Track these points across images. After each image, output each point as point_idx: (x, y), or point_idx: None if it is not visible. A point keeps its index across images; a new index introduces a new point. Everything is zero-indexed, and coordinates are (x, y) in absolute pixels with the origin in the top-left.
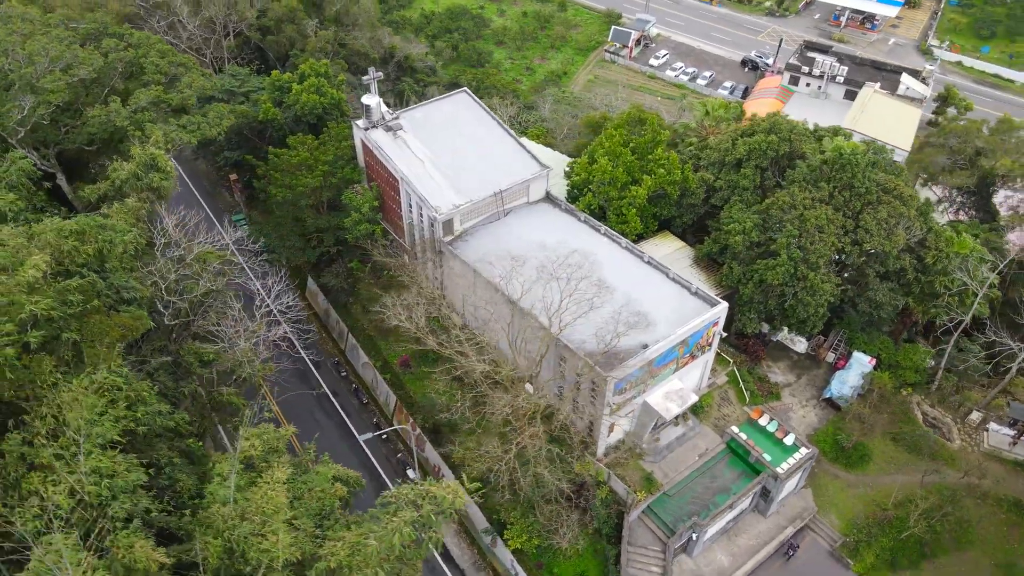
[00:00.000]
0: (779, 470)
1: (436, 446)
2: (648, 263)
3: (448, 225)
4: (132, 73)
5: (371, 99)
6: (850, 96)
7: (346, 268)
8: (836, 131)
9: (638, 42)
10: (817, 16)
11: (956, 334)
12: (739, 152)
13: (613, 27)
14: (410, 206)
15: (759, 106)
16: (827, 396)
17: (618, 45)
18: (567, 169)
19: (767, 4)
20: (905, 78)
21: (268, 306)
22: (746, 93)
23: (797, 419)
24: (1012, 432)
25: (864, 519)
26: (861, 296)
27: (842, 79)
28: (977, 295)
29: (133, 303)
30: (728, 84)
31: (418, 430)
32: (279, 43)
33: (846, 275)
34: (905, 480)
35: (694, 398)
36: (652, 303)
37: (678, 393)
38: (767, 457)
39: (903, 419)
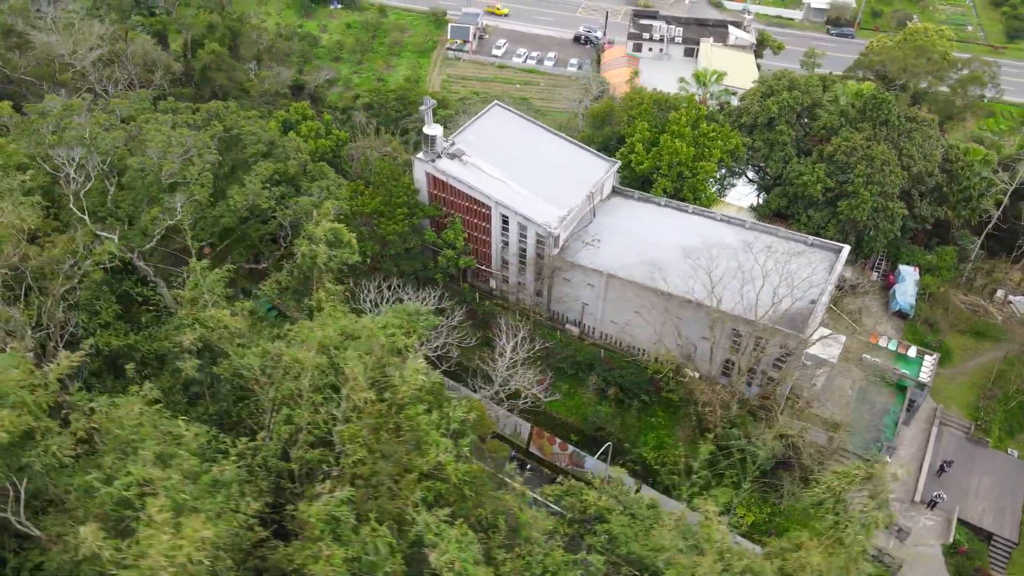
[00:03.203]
0: (925, 379)
1: (602, 457)
2: (751, 228)
3: (557, 239)
4: (227, 146)
5: (434, 129)
6: (688, 54)
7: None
8: (833, 80)
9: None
10: None
11: (988, 227)
12: (772, 111)
13: (450, 24)
14: (503, 230)
15: (615, 76)
16: (895, 309)
17: (459, 41)
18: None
19: None
20: (732, 30)
21: None
22: (594, 68)
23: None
24: None
25: (979, 402)
26: (909, 214)
27: (680, 40)
28: (1008, 189)
29: None
30: (574, 61)
31: (569, 448)
32: (212, 93)
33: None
34: (987, 361)
35: (843, 338)
36: (783, 263)
37: (831, 337)
38: (907, 371)
39: (960, 312)
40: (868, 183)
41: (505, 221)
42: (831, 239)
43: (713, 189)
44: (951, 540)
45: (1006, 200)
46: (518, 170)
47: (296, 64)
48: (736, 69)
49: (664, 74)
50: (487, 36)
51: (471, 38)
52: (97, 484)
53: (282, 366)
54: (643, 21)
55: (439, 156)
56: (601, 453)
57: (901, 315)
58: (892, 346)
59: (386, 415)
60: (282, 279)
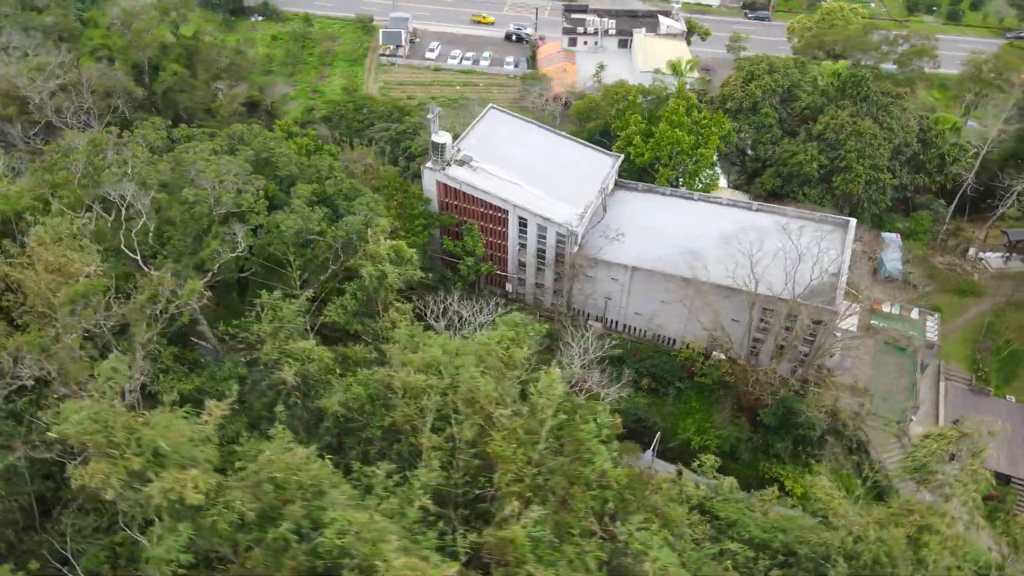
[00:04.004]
0: (933, 339)
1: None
2: (759, 211)
3: (578, 237)
4: (258, 169)
5: (444, 136)
6: (622, 45)
7: None
8: (805, 62)
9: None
10: None
11: (962, 190)
12: (756, 95)
13: (381, 30)
14: (521, 232)
15: (556, 71)
16: (884, 276)
17: (392, 46)
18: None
19: None
20: (663, 19)
21: None
22: (530, 64)
23: None
24: (1000, 254)
25: (975, 355)
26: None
27: (614, 32)
28: (979, 153)
29: None
30: (510, 59)
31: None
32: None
33: None
34: (974, 315)
35: (858, 308)
36: (803, 241)
37: (849, 309)
38: (913, 334)
39: (942, 273)
40: (860, 157)
41: (523, 224)
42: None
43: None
44: None
45: (977, 164)
46: (527, 171)
47: (248, 80)
48: (672, 56)
49: (599, 66)
50: (418, 40)
51: (404, 43)
52: (291, 536)
53: (394, 392)
54: (575, 16)
55: (448, 164)
56: (655, 445)
57: (890, 280)
58: (896, 310)
59: (530, 430)
60: (347, 303)
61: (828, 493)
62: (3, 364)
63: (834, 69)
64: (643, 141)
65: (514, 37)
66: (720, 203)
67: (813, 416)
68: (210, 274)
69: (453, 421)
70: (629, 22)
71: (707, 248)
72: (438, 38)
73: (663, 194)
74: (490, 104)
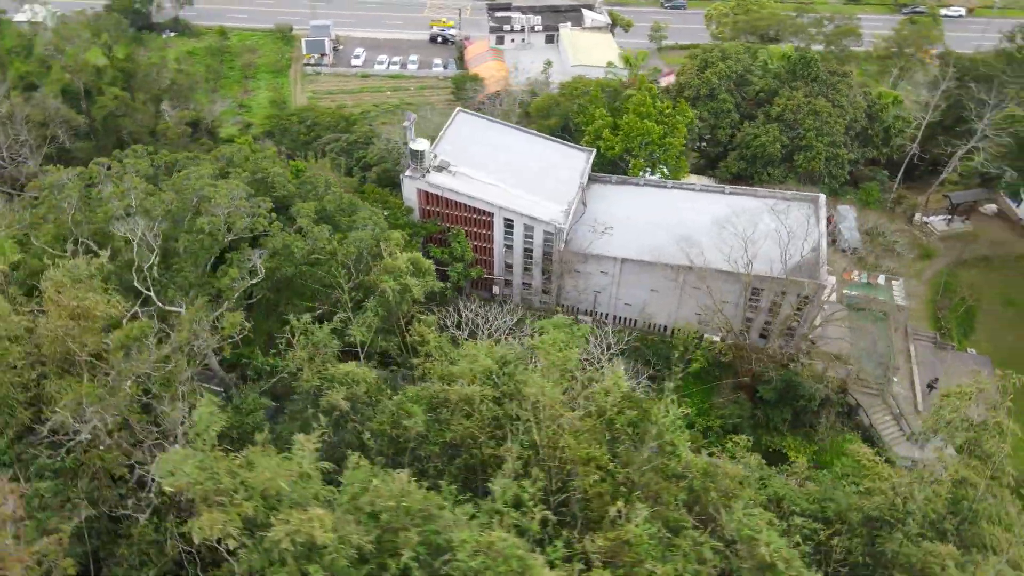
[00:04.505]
0: (902, 303)
1: None
2: (731, 194)
3: (564, 233)
4: (256, 190)
5: (422, 144)
6: (549, 40)
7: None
8: (754, 47)
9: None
10: None
11: (907, 160)
12: (712, 82)
13: (303, 39)
14: (507, 233)
15: (487, 69)
16: (844, 248)
17: (316, 55)
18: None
19: None
20: (587, 12)
21: None
22: (459, 65)
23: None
24: (942, 217)
25: (935, 313)
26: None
27: (540, 28)
28: (921, 125)
29: None
30: (438, 61)
31: None
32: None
33: None
34: (930, 276)
35: (833, 279)
36: (773, 219)
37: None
38: (884, 299)
39: (893, 242)
40: (819, 135)
41: (508, 225)
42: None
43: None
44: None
45: (920, 134)
46: (505, 172)
47: (192, 99)
48: (600, 50)
49: (531, 62)
50: (342, 47)
51: (328, 51)
52: (412, 563)
53: (449, 405)
54: (500, 14)
55: (428, 171)
56: None
57: (851, 251)
58: (863, 278)
59: (597, 428)
60: (369, 320)
61: (871, 459)
62: (64, 419)
63: (782, 52)
64: (612, 134)
65: (440, 39)
66: (694, 189)
67: (812, 387)
68: (225, 304)
69: (533, 427)
70: (554, 17)
71: (695, 234)
72: (362, 44)
73: (638, 184)
74: (458, 108)
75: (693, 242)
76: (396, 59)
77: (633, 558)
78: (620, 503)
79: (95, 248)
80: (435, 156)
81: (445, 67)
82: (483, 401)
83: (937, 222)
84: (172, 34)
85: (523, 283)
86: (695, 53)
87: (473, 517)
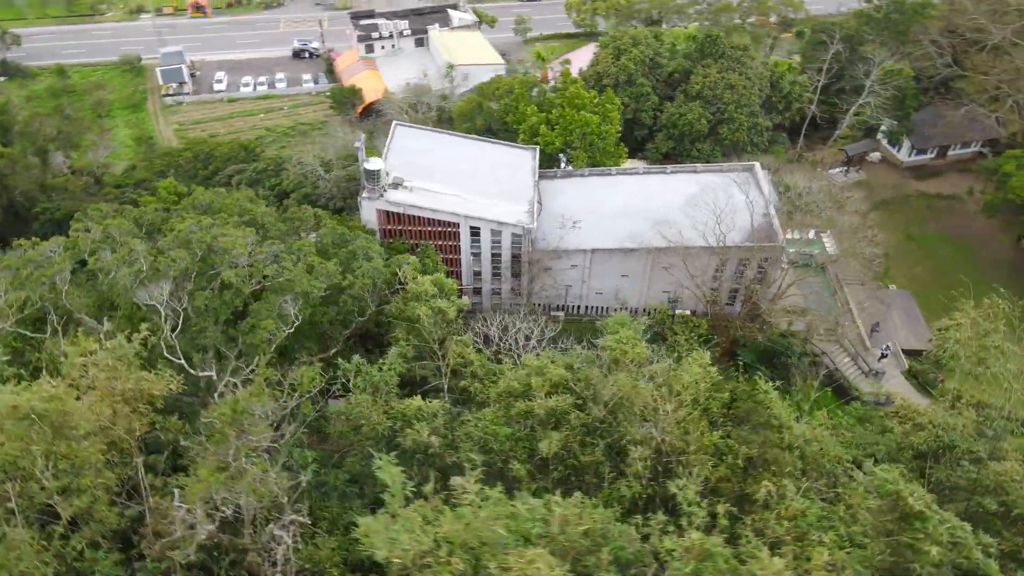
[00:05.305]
0: (834, 253)
1: None
2: (674, 172)
3: (531, 233)
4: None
5: (376, 163)
6: (419, 43)
7: None
8: (658, 32)
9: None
10: None
11: (807, 122)
12: (629, 68)
13: (158, 69)
14: (474, 241)
15: (362, 79)
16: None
17: (175, 84)
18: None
19: (258, 0)
20: (452, 12)
21: None
22: (331, 78)
23: None
24: (840, 169)
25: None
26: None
27: (408, 32)
28: (816, 89)
29: None
30: (308, 76)
31: None
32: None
33: None
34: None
35: (782, 240)
36: (724, 192)
37: None
38: (818, 252)
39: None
40: (738, 107)
41: (475, 232)
42: (716, 159)
43: None
44: (906, 367)
45: (816, 97)
46: (459, 179)
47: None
48: (473, 48)
49: (404, 68)
50: (199, 72)
51: (186, 78)
52: None
53: (535, 417)
54: (365, 22)
55: (385, 190)
56: None
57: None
58: (797, 235)
59: (694, 416)
60: (403, 350)
61: (905, 398)
62: (194, 516)
63: (687, 34)
64: (548, 129)
65: (306, 54)
66: (638, 173)
67: (787, 343)
68: (263, 359)
69: (653, 428)
70: (421, 20)
71: (660, 215)
72: (220, 67)
73: (583, 175)
74: (395, 121)
75: (661, 223)
76: (262, 79)
77: (798, 531)
78: (767, 482)
79: (92, 323)
80: (387, 173)
81: (316, 82)
82: (571, 410)
83: (836, 174)
84: (3, 78)
85: (492, 288)
86: (606, 42)
87: (641, 526)
